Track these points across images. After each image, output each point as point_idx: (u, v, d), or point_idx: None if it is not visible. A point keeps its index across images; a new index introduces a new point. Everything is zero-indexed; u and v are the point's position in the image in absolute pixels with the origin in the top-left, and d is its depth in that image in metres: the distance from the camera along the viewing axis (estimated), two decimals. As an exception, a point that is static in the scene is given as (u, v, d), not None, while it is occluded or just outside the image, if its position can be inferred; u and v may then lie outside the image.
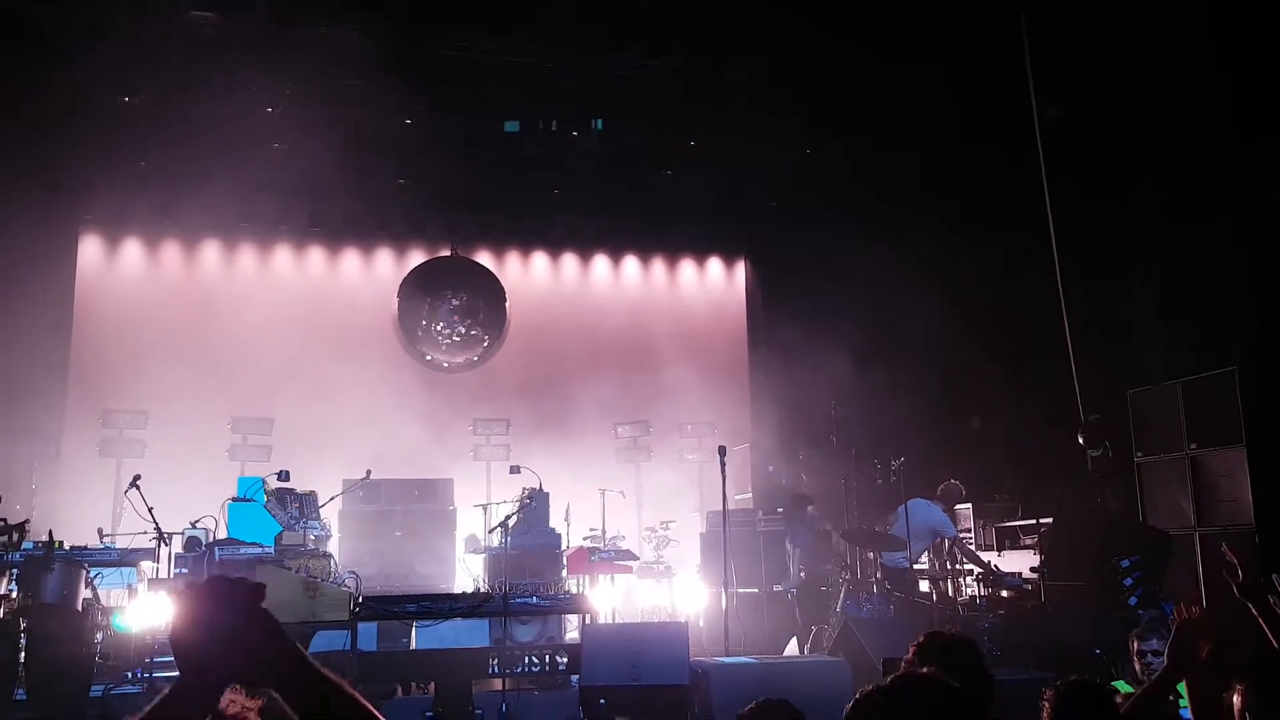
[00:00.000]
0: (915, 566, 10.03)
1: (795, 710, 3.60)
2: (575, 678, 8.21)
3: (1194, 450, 10.13)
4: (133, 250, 14.55)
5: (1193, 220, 10.52)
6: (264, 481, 9.93)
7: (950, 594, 9.88)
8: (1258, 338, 9.83)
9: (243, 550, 8.39)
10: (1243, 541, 9.15)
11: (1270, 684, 3.28)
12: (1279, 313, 9.63)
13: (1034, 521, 10.47)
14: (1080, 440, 10.91)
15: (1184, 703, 4.99)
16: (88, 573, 7.59)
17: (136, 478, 8.58)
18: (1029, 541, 10.66)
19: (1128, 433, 10.88)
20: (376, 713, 1.72)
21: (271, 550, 8.57)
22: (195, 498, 9.75)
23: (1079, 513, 10.63)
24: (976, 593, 9.50)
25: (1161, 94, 10.57)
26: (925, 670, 2.65)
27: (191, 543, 8.56)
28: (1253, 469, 9.41)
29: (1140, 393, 10.90)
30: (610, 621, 9.97)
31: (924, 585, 10.29)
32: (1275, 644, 3.72)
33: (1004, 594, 9.55)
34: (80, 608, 7.42)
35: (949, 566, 10.04)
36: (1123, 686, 5.69)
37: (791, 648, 9.99)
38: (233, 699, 1.88)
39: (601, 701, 7.55)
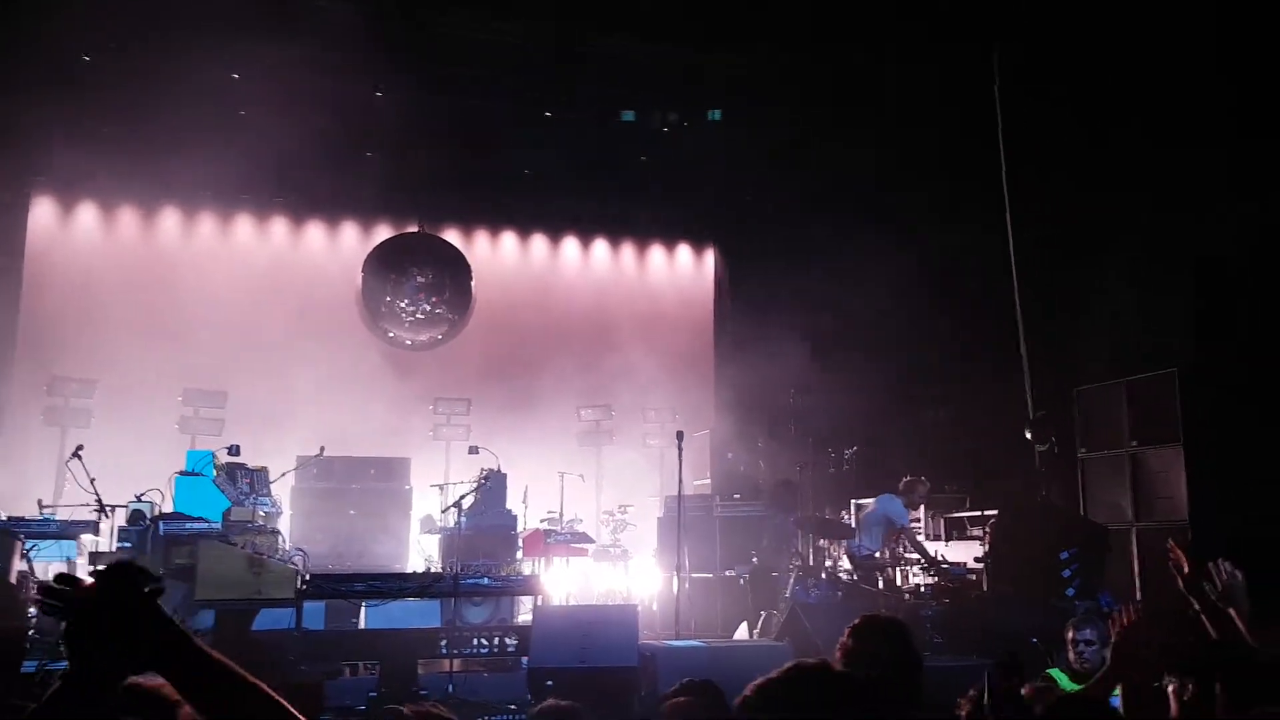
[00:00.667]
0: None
1: (718, 690, 3.64)
2: (525, 660, 8.18)
3: (1134, 448, 10.35)
4: (88, 214, 14.30)
5: (1143, 226, 10.69)
6: (214, 455, 9.80)
7: (897, 582, 9.98)
8: (1198, 341, 10.05)
9: (188, 525, 8.29)
10: (1179, 536, 9.31)
11: (1208, 675, 3.31)
12: (1218, 317, 9.83)
13: (981, 513, 10.61)
14: (1028, 435, 11.07)
15: (1116, 691, 5.04)
16: (23, 544, 7.45)
17: (79, 448, 8.47)
18: (976, 532, 10.83)
19: (1073, 429, 11.05)
20: (291, 708, 1.70)
21: (218, 525, 8.45)
22: (143, 471, 9.63)
23: (1024, 506, 10.78)
24: (922, 581, 9.56)
25: (1115, 101, 10.69)
26: (818, 660, 2.63)
27: (136, 516, 8.44)
28: (1188, 467, 9.63)
29: (1086, 390, 11.08)
30: (563, 604, 9.94)
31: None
32: (1214, 635, 3.77)
33: (948, 583, 9.65)
34: (14, 580, 7.28)
35: (900, 554, 10.14)
36: (1057, 674, 5.76)
37: (741, 632, 10.03)
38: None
39: (549, 683, 7.51)
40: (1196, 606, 3.92)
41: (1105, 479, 10.69)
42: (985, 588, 9.53)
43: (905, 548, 10.09)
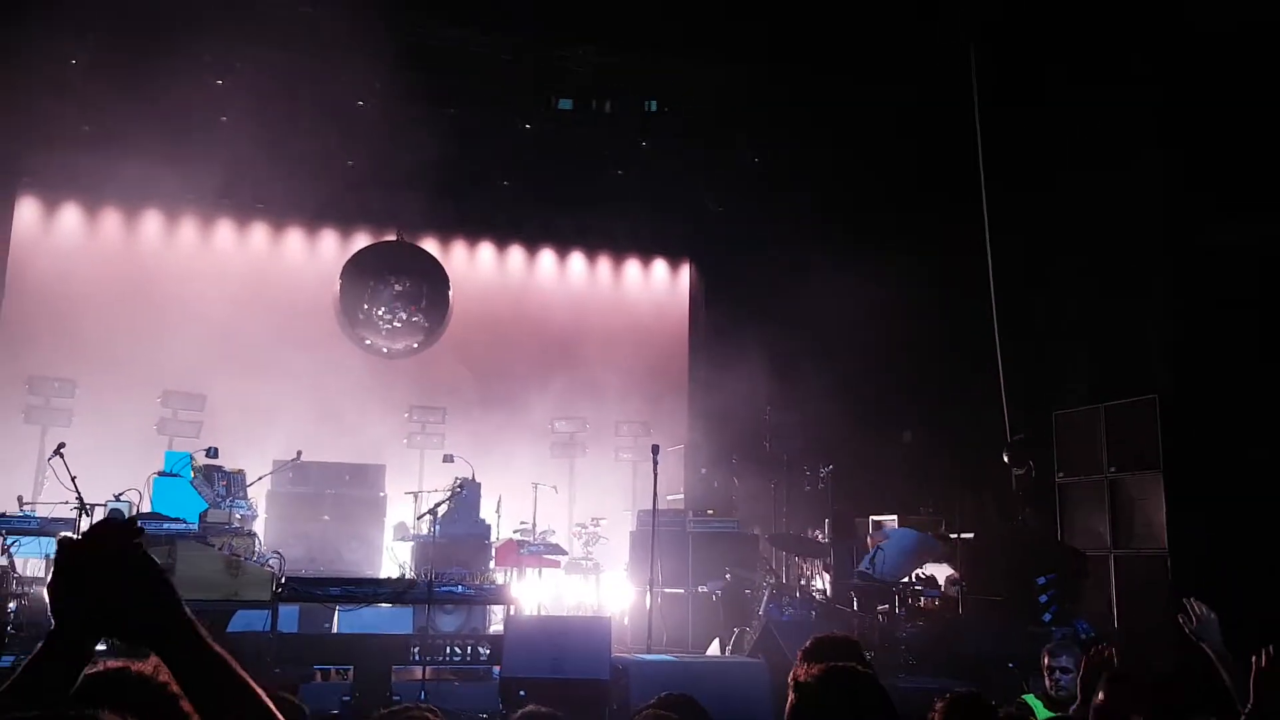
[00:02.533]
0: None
1: (697, 705, 3.65)
2: (496, 669, 8.21)
3: (1113, 474, 10.22)
4: (71, 215, 14.24)
5: (1125, 251, 10.77)
6: (192, 457, 9.77)
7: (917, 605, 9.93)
8: (1179, 367, 10.03)
9: (165, 525, 8.25)
10: (1158, 564, 9.42)
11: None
12: (1200, 344, 9.85)
13: (957, 535, 10.63)
14: (1005, 458, 11.08)
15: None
16: (4, 540, 7.42)
17: (61, 446, 8.43)
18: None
19: (1051, 453, 10.98)
20: (265, 697, 1.63)
21: (195, 527, 8.43)
22: (121, 470, 9.59)
23: (1000, 529, 10.81)
24: (894, 603, 9.62)
25: (1098, 121, 10.81)
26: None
27: (114, 515, 8.39)
28: (1168, 494, 9.50)
29: (1065, 414, 11.01)
30: (535, 615, 9.97)
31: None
32: (1225, 675, 3.83)
33: (922, 604, 9.70)
34: (-7, 575, 7.25)
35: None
36: (1032, 700, 5.83)
37: (714, 649, 10.06)
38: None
39: (521, 693, 7.54)
40: (1210, 653, 3.98)
41: (1083, 504, 10.57)
42: (960, 610, 9.58)
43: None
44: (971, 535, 10.39)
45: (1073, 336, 11.52)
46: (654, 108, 13.87)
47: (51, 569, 1.61)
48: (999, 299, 11.55)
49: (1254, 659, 3.42)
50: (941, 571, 10.59)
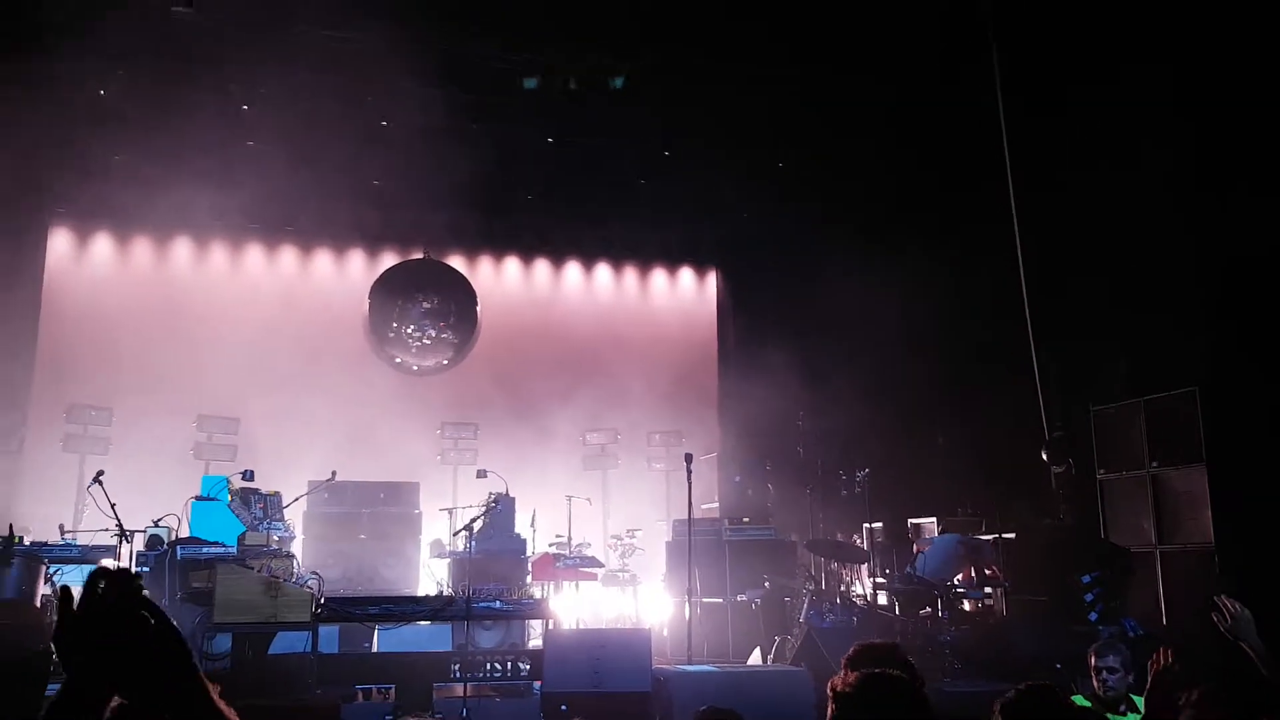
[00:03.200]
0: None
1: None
2: (537, 685, 8.15)
3: (1155, 468, 10.08)
4: (103, 245, 14.42)
5: (1160, 244, 10.61)
6: (228, 481, 9.82)
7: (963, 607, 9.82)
8: (1219, 359, 9.87)
9: (204, 549, 8.28)
10: (1205, 560, 9.25)
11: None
12: (1240, 335, 9.67)
13: (997, 536, 10.47)
14: (1044, 456, 10.93)
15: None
16: (47, 569, 7.46)
17: (99, 474, 8.46)
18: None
19: (1091, 450, 10.83)
20: None
21: (234, 550, 8.45)
22: (159, 495, 9.64)
23: (1042, 528, 10.64)
24: (938, 606, 9.47)
25: (1129, 118, 10.66)
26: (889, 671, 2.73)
27: (153, 541, 8.43)
28: (1212, 488, 9.33)
29: (1103, 410, 10.86)
30: (574, 628, 9.91)
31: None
32: (1266, 673, 3.76)
33: (966, 608, 9.56)
34: (39, 604, 7.28)
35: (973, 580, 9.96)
36: (1080, 701, 5.71)
37: (755, 658, 9.96)
38: None
39: (563, 708, 7.49)
40: (1246, 648, 3.91)
41: (1126, 500, 10.41)
42: (1004, 612, 9.43)
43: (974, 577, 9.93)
44: (1013, 535, 10.22)
45: (1107, 332, 11.34)
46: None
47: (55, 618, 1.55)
48: (1031, 297, 11.39)
49: None
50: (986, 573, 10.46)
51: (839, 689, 2.66)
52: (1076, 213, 11.25)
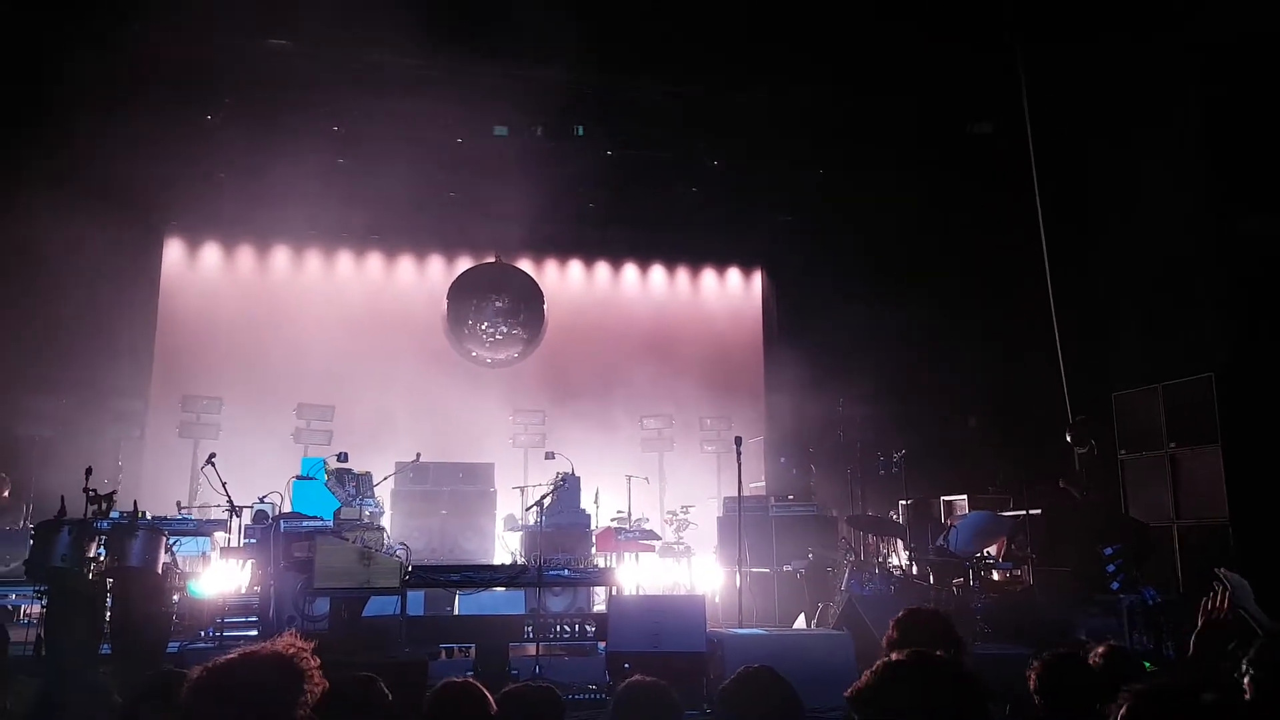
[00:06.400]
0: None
1: (777, 675, 3.55)
2: (601, 645, 8.20)
3: (1173, 449, 9.96)
4: (211, 253, 14.73)
5: (1176, 236, 10.36)
6: (325, 462, 9.96)
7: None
8: (1234, 346, 9.68)
9: (304, 523, 8.42)
10: (1220, 534, 9.06)
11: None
12: (1253, 323, 9.47)
13: (1023, 513, 10.33)
14: (1068, 438, 10.76)
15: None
16: (167, 540, 7.63)
17: (212, 456, 8.63)
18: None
19: (1112, 432, 10.70)
20: None
21: (330, 524, 8.60)
22: (263, 476, 9.77)
23: (1066, 505, 10.47)
24: (969, 576, 9.35)
25: (1146, 108, 10.39)
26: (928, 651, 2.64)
27: (259, 516, 8.59)
28: (1227, 467, 9.23)
29: (1124, 395, 10.72)
30: (634, 594, 9.94)
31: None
32: (1262, 633, 3.68)
33: (995, 578, 9.42)
34: (160, 571, 7.46)
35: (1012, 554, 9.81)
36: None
37: (799, 623, 9.93)
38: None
39: (626, 666, 7.51)
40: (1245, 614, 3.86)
41: (1145, 479, 10.30)
42: (1031, 582, 9.29)
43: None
44: (1038, 511, 10.06)
45: (1128, 320, 11.11)
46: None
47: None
48: (1055, 287, 11.19)
49: None
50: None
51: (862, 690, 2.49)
52: (1103, 206, 10.99)
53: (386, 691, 3.40)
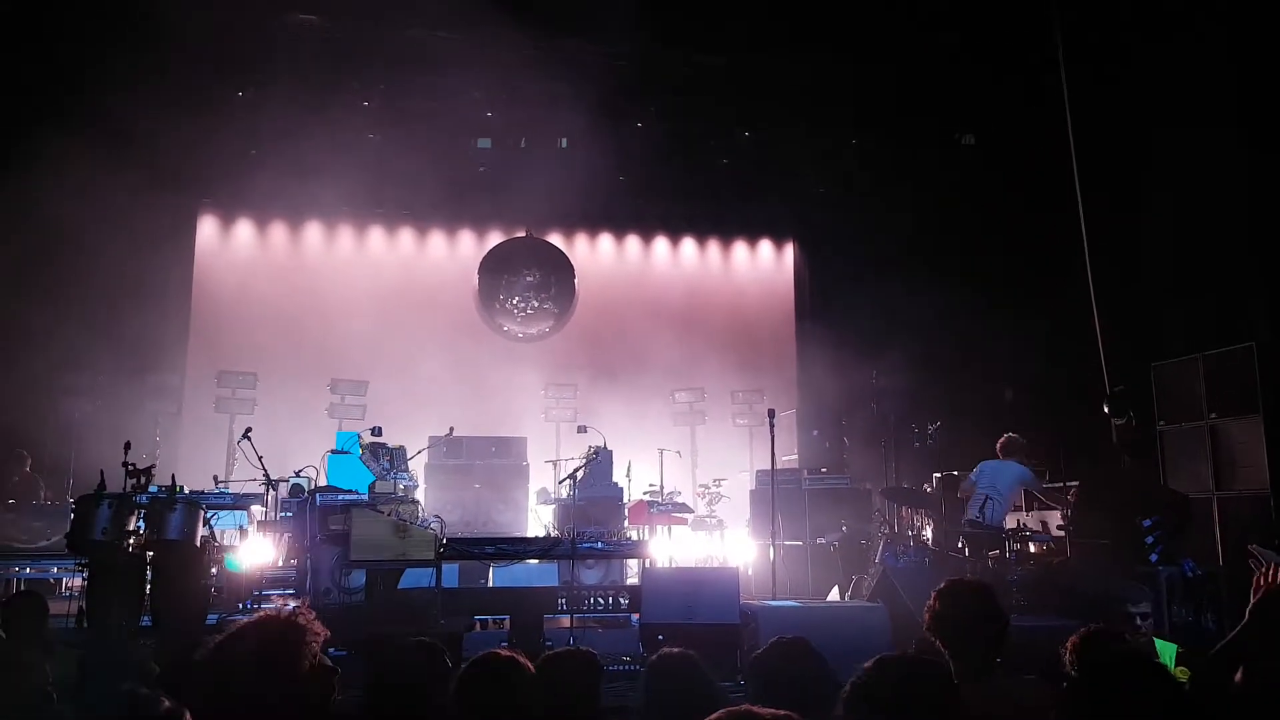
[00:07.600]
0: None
1: (810, 646, 3.52)
2: (635, 616, 8.21)
3: (1213, 419, 9.75)
4: (245, 230, 14.80)
5: (1214, 205, 10.10)
6: (359, 436, 10.01)
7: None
8: (1275, 315, 9.45)
9: (340, 497, 8.46)
10: (1259, 506, 8.89)
11: None
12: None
13: (1062, 485, 10.18)
14: (1106, 409, 10.57)
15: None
16: (205, 513, 7.71)
17: (248, 431, 8.70)
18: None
19: (1151, 403, 10.50)
20: None
21: (365, 497, 8.64)
22: (298, 450, 9.86)
23: (1104, 476, 10.30)
24: (1004, 548, 9.22)
25: (1182, 79, 10.12)
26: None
27: (295, 489, 8.65)
28: (1268, 437, 9.02)
29: (1163, 365, 10.52)
30: (668, 566, 9.93)
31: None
32: None
33: (1032, 549, 9.30)
34: (198, 544, 7.54)
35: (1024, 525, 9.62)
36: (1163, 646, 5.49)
37: (833, 595, 9.88)
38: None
39: (659, 638, 7.51)
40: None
41: (1185, 450, 10.09)
42: (1068, 553, 9.16)
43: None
44: (1076, 483, 9.90)
45: (1166, 290, 10.87)
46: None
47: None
48: (1093, 257, 10.96)
49: None
50: (1051, 519, 10.17)
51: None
52: (1138, 176, 10.74)
53: (449, 661, 3.44)
